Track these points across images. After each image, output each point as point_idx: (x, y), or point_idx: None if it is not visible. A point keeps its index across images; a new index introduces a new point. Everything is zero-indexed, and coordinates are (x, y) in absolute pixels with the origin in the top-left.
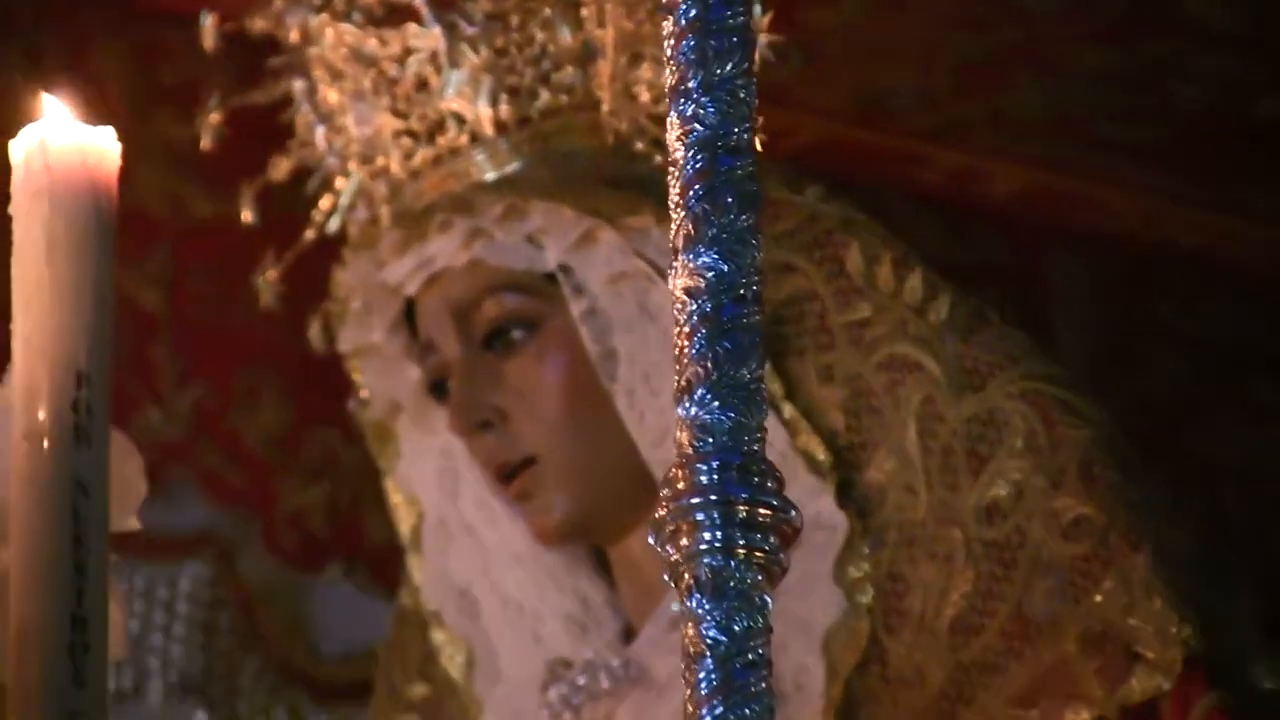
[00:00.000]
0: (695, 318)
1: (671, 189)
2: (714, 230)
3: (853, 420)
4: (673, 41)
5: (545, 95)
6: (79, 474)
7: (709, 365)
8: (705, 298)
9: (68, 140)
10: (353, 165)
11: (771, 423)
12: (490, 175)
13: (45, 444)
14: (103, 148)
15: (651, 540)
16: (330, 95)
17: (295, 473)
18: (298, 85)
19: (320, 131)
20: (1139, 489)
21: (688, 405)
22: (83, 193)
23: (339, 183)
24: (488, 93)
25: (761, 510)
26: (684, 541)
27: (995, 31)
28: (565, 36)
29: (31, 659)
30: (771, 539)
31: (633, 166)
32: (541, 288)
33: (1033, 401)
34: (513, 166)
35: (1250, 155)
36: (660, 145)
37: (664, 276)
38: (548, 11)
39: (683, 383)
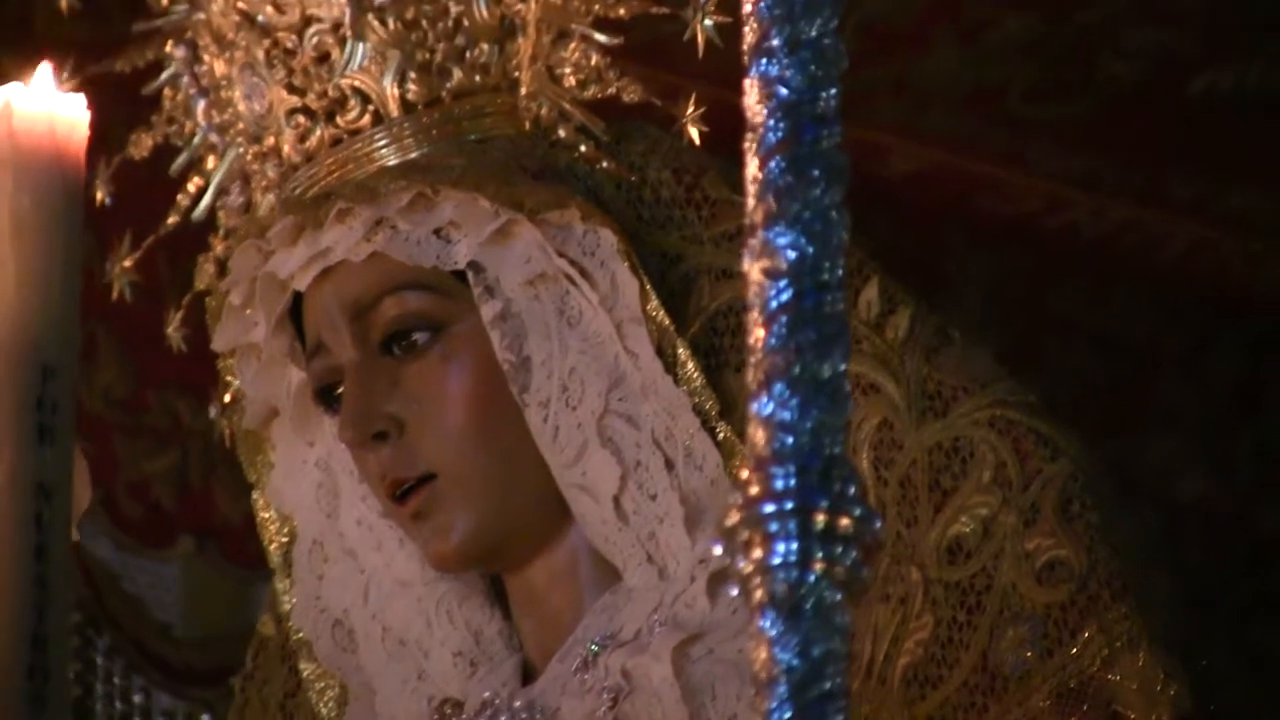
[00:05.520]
0: (774, 304)
1: (749, 159)
2: (798, 206)
3: None
4: None
5: (458, 74)
6: (43, 478)
7: (789, 357)
8: (786, 282)
9: (35, 107)
10: (239, 144)
11: (706, 445)
12: (394, 161)
13: (6, 446)
14: (73, 117)
15: (718, 550)
16: (217, 66)
17: (139, 438)
18: (177, 53)
19: (201, 105)
20: (1122, 531)
21: (764, 401)
22: (50, 166)
23: (210, 162)
24: (395, 69)
25: (843, 520)
26: (756, 553)
27: None
28: (482, 10)
29: None
30: (854, 552)
31: (554, 155)
32: (449, 287)
33: (1003, 430)
34: (420, 151)
35: (1176, 137)
36: (585, 133)
37: (587, 278)
38: None
39: (760, 376)
